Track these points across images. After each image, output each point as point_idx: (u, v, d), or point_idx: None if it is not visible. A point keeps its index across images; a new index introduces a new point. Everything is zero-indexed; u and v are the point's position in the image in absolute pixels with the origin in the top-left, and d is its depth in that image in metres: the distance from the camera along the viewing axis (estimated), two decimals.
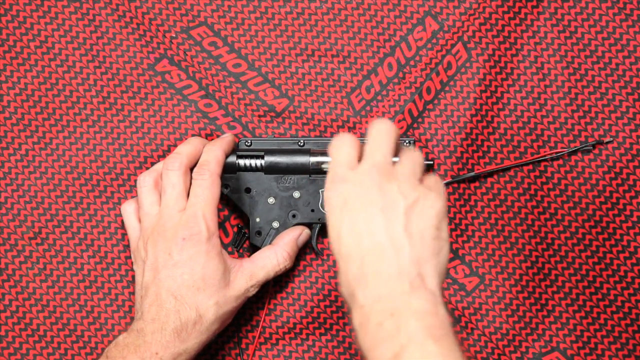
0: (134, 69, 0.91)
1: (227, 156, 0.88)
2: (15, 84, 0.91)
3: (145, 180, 0.86)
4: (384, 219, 0.70)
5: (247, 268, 0.85)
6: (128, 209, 0.88)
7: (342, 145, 0.74)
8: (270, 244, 0.88)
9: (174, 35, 0.91)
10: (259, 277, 0.85)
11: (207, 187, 0.84)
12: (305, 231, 0.89)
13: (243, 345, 0.91)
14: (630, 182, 0.91)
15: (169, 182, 0.85)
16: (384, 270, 0.68)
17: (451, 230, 0.91)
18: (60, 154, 0.91)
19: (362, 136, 0.91)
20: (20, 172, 0.91)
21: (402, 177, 0.72)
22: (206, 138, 0.91)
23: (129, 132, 0.91)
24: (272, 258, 0.86)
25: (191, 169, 0.86)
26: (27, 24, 0.91)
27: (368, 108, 0.91)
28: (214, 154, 0.86)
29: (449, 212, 0.90)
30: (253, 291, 0.85)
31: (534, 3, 0.91)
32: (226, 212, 0.91)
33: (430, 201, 0.71)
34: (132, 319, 0.90)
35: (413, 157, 0.74)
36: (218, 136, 0.91)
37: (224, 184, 0.88)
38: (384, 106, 0.91)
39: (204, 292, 0.82)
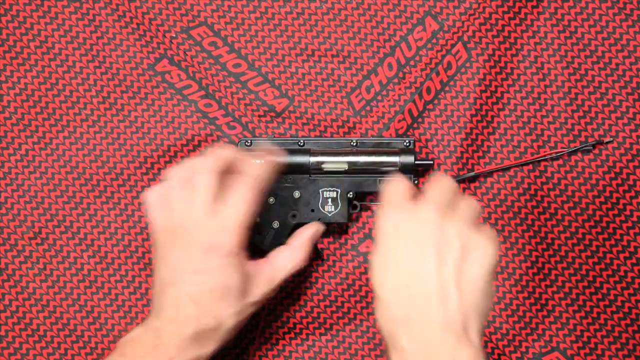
0: (134, 69, 0.91)
1: (272, 179, 0.83)
2: (15, 84, 0.91)
3: (176, 174, 0.81)
4: (437, 259, 0.69)
5: (267, 272, 0.82)
6: (153, 197, 0.81)
7: (398, 182, 0.74)
8: (285, 243, 0.86)
9: (174, 35, 0.91)
10: (278, 279, 0.83)
11: (247, 199, 0.80)
12: (320, 227, 0.87)
13: (243, 345, 0.91)
14: (630, 182, 0.91)
15: (201, 182, 0.79)
16: (430, 317, 0.67)
17: None
18: (60, 154, 0.91)
19: (361, 136, 0.91)
20: (20, 172, 0.91)
21: (460, 220, 0.71)
22: (206, 138, 0.91)
23: (129, 132, 0.91)
24: (290, 259, 0.84)
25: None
26: (27, 24, 0.91)
27: (368, 108, 0.91)
28: (264, 169, 0.82)
29: None
30: (273, 294, 0.83)
31: (534, 3, 0.91)
32: None
33: (484, 250, 0.70)
34: (132, 318, 0.90)
35: (472, 204, 0.73)
36: (218, 136, 0.91)
37: None
38: (384, 106, 0.91)
39: (225, 302, 0.79)
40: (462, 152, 0.91)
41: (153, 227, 0.81)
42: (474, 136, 0.91)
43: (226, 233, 0.78)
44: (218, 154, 0.81)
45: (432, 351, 0.66)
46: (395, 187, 0.74)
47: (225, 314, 0.79)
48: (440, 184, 0.73)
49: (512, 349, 0.90)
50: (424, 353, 0.66)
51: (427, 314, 0.67)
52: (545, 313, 0.90)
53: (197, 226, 0.79)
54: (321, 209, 0.88)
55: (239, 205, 0.79)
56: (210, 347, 0.79)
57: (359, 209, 0.90)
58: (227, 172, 0.81)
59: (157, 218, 0.81)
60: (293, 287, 0.91)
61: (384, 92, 0.91)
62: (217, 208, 0.79)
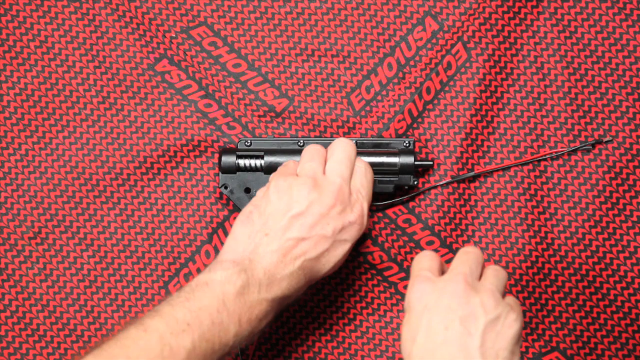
0: (134, 69, 0.91)
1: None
2: (15, 84, 0.91)
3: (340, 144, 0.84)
4: (462, 330, 0.70)
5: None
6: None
7: (425, 255, 0.76)
8: None
9: (174, 35, 0.91)
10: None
11: (369, 183, 0.83)
12: None
13: (243, 346, 0.91)
14: (630, 182, 0.91)
15: (358, 169, 0.83)
16: None
17: (451, 230, 0.91)
18: (60, 154, 0.91)
19: (361, 136, 0.91)
20: (20, 172, 0.91)
21: (486, 291, 0.72)
22: (206, 138, 0.91)
23: (129, 132, 0.91)
24: None
25: None
26: (27, 24, 0.91)
27: (368, 108, 0.91)
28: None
29: (448, 212, 0.90)
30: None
31: (534, 3, 0.91)
32: (226, 212, 0.91)
33: (510, 321, 0.71)
34: (132, 318, 0.90)
35: (498, 274, 0.74)
36: (218, 136, 0.91)
37: (223, 184, 0.88)
38: (383, 106, 0.91)
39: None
40: (462, 152, 0.91)
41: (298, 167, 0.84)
42: (473, 136, 0.91)
43: (361, 212, 0.82)
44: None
45: None
46: (422, 259, 0.76)
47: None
48: (467, 256, 0.75)
49: None
50: None
51: None
52: (545, 313, 0.90)
53: (344, 198, 0.82)
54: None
55: (366, 187, 0.83)
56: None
57: None
58: None
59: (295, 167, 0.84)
60: None
61: (384, 92, 0.91)
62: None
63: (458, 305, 0.71)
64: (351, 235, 0.81)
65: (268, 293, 0.78)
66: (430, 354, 0.70)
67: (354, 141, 0.89)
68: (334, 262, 0.80)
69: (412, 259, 0.90)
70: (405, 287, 0.91)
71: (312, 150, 0.83)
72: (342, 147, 0.83)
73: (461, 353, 0.69)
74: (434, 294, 0.72)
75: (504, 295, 0.74)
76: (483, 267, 0.75)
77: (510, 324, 0.71)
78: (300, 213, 0.79)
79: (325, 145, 0.87)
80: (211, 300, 0.76)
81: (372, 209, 0.91)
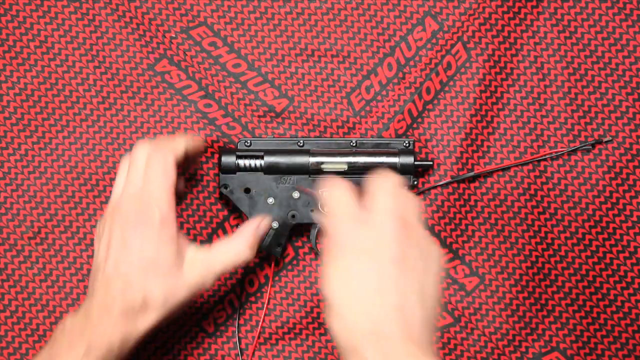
0: (133, 69, 0.91)
1: (188, 155, 0.84)
2: (15, 84, 0.91)
3: (122, 163, 0.84)
4: (402, 277, 0.69)
5: (204, 259, 0.81)
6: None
7: (341, 188, 0.74)
8: (235, 234, 0.85)
9: (174, 35, 0.91)
10: (216, 269, 0.82)
11: (161, 171, 0.81)
12: (265, 221, 0.86)
13: (243, 345, 0.91)
14: (630, 182, 0.91)
15: (133, 165, 0.82)
16: (394, 330, 0.67)
17: (451, 230, 0.91)
18: (59, 154, 0.91)
19: (361, 136, 0.91)
20: (19, 172, 0.91)
21: (416, 228, 0.71)
22: (205, 138, 0.91)
23: (129, 132, 0.91)
24: (230, 252, 0.83)
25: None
26: (27, 24, 0.91)
27: (368, 108, 0.91)
28: (173, 143, 0.83)
29: (448, 212, 0.90)
30: (210, 283, 0.81)
31: (534, 3, 0.91)
32: (226, 212, 0.91)
33: (436, 259, 0.71)
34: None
35: (416, 202, 0.73)
36: (218, 137, 0.91)
37: (223, 184, 0.88)
38: (383, 106, 0.91)
39: (153, 277, 0.79)
40: (462, 152, 0.91)
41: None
42: (473, 136, 0.91)
43: (148, 205, 0.80)
44: (155, 140, 0.83)
45: None
46: (340, 194, 0.74)
47: (154, 290, 0.78)
48: (388, 186, 0.73)
49: (512, 349, 0.90)
50: None
51: (391, 327, 0.67)
52: (545, 313, 0.90)
53: (127, 204, 0.80)
54: (320, 209, 0.88)
55: (156, 178, 0.80)
56: (140, 325, 0.78)
57: None
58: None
59: (103, 218, 0.83)
60: (293, 287, 0.91)
61: (384, 92, 0.91)
62: (142, 185, 0.81)
63: (393, 249, 0.69)
64: None
65: None
66: (367, 298, 0.69)
67: (354, 141, 0.89)
68: None
69: None
70: None
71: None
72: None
73: (397, 296, 0.68)
74: (367, 236, 0.70)
75: (426, 230, 0.73)
76: (404, 197, 0.73)
77: (437, 262, 0.71)
78: None
79: (325, 145, 0.87)
80: None
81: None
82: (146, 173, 0.81)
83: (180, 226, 0.91)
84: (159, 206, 0.80)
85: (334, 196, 0.74)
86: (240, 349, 0.91)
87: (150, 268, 0.79)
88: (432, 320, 0.70)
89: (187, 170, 0.89)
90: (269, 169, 0.88)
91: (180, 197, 0.86)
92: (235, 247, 0.83)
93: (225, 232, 0.91)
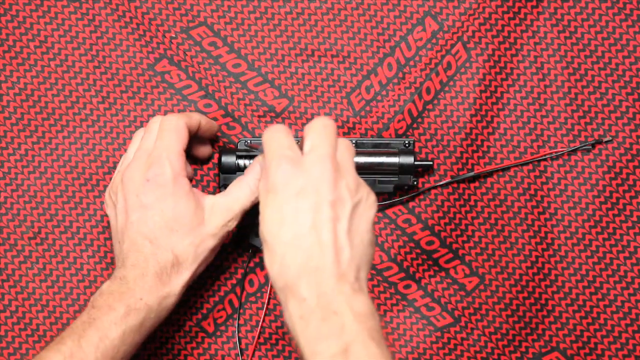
0: (133, 69, 0.91)
1: (202, 129, 0.86)
2: (14, 84, 0.91)
3: (137, 133, 0.86)
4: (332, 215, 0.70)
5: (222, 202, 0.83)
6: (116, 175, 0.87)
7: (279, 131, 0.75)
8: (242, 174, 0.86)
9: (174, 35, 0.91)
10: (235, 209, 0.83)
11: (173, 129, 0.83)
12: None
13: (243, 346, 0.91)
14: (630, 182, 0.91)
15: (148, 128, 0.84)
16: (326, 268, 0.69)
17: (451, 230, 0.91)
18: (59, 154, 0.91)
19: (361, 136, 0.91)
20: (19, 172, 0.91)
21: (349, 173, 0.72)
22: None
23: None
24: (245, 188, 0.84)
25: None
26: (27, 24, 0.91)
27: (368, 108, 0.91)
28: (189, 113, 0.86)
29: (448, 212, 0.90)
30: (232, 225, 0.83)
31: (534, 3, 0.91)
32: None
33: (371, 202, 0.72)
34: None
35: (352, 150, 0.75)
36: (218, 137, 0.91)
37: (223, 184, 0.88)
38: (383, 106, 0.91)
39: (178, 233, 0.81)
40: (462, 152, 0.91)
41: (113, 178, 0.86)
42: (473, 136, 0.91)
43: (159, 163, 0.81)
44: (190, 115, 0.86)
45: (330, 301, 0.68)
46: (280, 137, 0.74)
47: (181, 246, 0.81)
48: (326, 130, 0.74)
49: (512, 349, 0.90)
50: (322, 302, 0.68)
51: (323, 266, 0.69)
52: (545, 313, 0.90)
53: (137, 167, 0.82)
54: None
55: (167, 138, 0.82)
56: (174, 282, 0.81)
57: None
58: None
59: (116, 171, 0.86)
60: None
61: (384, 92, 0.91)
62: (153, 146, 0.83)
63: (327, 190, 0.70)
64: None
65: None
66: (301, 237, 0.70)
67: (354, 141, 0.89)
68: None
69: (412, 259, 0.90)
70: (405, 287, 0.91)
71: None
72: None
73: (330, 236, 0.69)
74: (301, 177, 0.71)
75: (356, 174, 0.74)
76: (337, 139, 0.75)
77: (371, 205, 0.72)
78: None
79: None
80: None
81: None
82: (158, 133, 0.83)
83: None
84: (170, 162, 0.81)
85: (271, 138, 0.75)
86: (240, 349, 0.91)
87: (174, 225, 0.81)
88: (365, 260, 0.71)
89: (199, 152, 0.90)
90: None
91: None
92: (249, 184, 0.84)
93: None
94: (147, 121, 0.91)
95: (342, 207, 0.71)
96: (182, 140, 0.83)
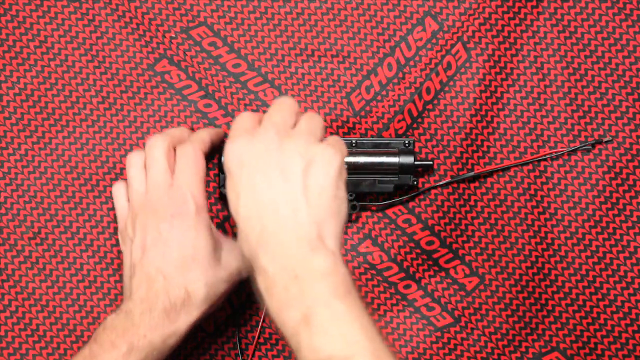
0: (133, 69, 0.91)
1: (213, 144, 0.86)
2: (14, 84, 0.91)
3: (133, 159, 0.84)
4: (282, 179, 0.70)
5: (239, 247, 0.81)
6: (118, 189, 0.86)
7: (241, 116, 0.76)
8: None
9: (174, 35, 0.91)
10: None
11: (191, 161, 0.82)
12: None
13: (243, 346, 0.91)
14: (630, 182, 0.91)
15: (152, 158, 0.83)
16: (283, 233, 0.69)
17: (451, 230, 0.91)
18: (59, 154, 0.91)
19: (361, 136, 0.91)
20: (19, 172, 0.91)
21: (299, 136, 0.72)
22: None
23: (129, 132, 0.91)
24: None
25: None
26: (27, 24, 0.91)
27: (368, 108, 0.91)
28: (198, 135, 0.86)
29: (448, 212, 0.90)
30: (246, 273, 0.81)
31: (534, 3, 0.91)
32: (226, 213, 0.91)
33: (328, 157, 0.72)
34: None
35: (312, 118, 0.75)
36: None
37: (222, 184, 0.88)
38: (383, 106, 0.91)
39: (194, 271, 0.79)
40: (462, 152, 0.91)
41: (119, 218, 0.85)
42: (473, 136, 0.91)
43: (182, 197, 0.80)
44: (165, 132, 0.85)
45: (289, 264, 0.68)
46: (239, 119, 0.76)
47: (195, 284, 0.79)
48: (279, 105, 0.75)
49: (512, 349, 0.90)
50: (282, 267, 0.68)
51: (280, 231, 0.69)
52: (545, 313, 0.90)
53: (159, 200, 0.81)
54: None
55: (186, 169, 0.82)
56: (182, 321, 0.79)
57: (358, 209, 0.90)
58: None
59: (123, 208, 0.85)
60: None
61: (384, 92, 0.91)
62: (172, 179, 0.82)
63: (274, 157, 0.71)
64: None
65: None
66: (255, 208, 0.70)
67: (354, 141, 0.89)
68: None
69: (412, 259, 0.90)
70: (405, 287, 0.91)
71: None
72: None
73: (285, 202, 0.70)
74: (249, 150, 0.72)
75: (321, 139, 0.74)
76: (298, 115, 0.75)
77: (329, 160, 0.72)
78: None
79: None
80: None
81: (372, 209, 0.91)
82: (178, 165, 0.82)
83: None
84: (193, 197, 0.81)
85: (235, 120, 0.76)
86: (241, 349, 0.91)
87: (191, 262, 0.80)
88: (327, 214, 0.70)
89: (211, 160, 0.89)
90: None
91: None
92: None
93: (225, 232, 0.91)
94: (147, 122, 0.91)
95: (292, 169, 0.71)
96: (201, 170, 0.82)
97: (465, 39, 0.91)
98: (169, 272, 0.79)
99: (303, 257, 0.68)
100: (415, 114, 0.91)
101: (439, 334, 0.90)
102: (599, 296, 0.90)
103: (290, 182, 0.70)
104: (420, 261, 0.90)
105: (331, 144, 0.73)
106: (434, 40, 0.91)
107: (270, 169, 0.71)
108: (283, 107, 0.75)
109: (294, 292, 0.67)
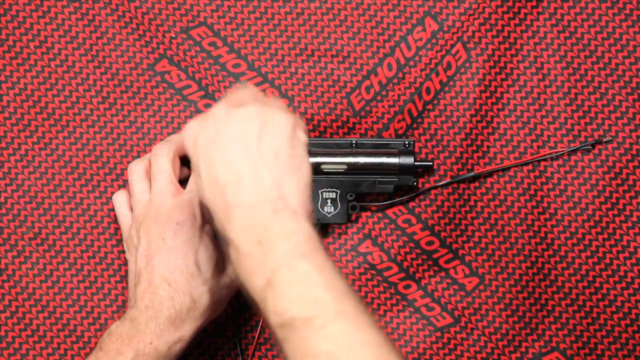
0: (133, 69, 0.91)
1: None
2: (15, 84, 0.91)
3: (135, 168, 0.85)
4: (238, 147, 0.70)
5: None
6: (119, 198, 0.87)
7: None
8: None
9: (174, 35, 0.91)
10: None
11: None
12: None
13: (243, 346, 0.91)
14: (630, 182, 0.91)
15: (158, 168, 0.84)
16: (244, 199, 0.69)
17: (451, 230, 0.91)
18: (60, 154, 0.91)
19: (361, 136, 0.91)
20: (20, 172, 0.91)
21: (246, 104, 0.72)
22: None
23: (129, 132, 0.91)
24: None
25: (180, 158, 0.86)
26: (27, 24, 0.91)
27: (368, 108, 0.91)
28: None
29: (448, 212, 0.90)
30: None
31: (534, 3, 0.91)
32: None
33: (278, 119, 0.72)
34: None
35: (250, 87, 0.76)
36: None
37: None
38: (383, 106, 0.91)
39: (198, 278, 0.80)
40: (461, 153, 0.91)
41: (122, 226, 0.86)
42: (473, 136, 0.91)
43: (190, 207, 0.82)
44: (169, 139, 0.86)
45: (253, 229, 0.68)
46: (219, 103, 0.76)
47: (200, 291, 0.80)
48: (236, 90, 0.75)
49: (512, 349, 0.90)
50: (246, 235, 0.68)
51: (241, 198, 0.69)
52: (545, 313, 0.90)
53: (165, 209, 0.82)
54: (320, 209, 0.88)
55: (191, 181, 0.83)
56: (187, 327, 0.80)
57: (358, 209, 0.90)
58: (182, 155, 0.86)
59: (126, 216, 0.85)
60: None
61: (384, 93, 0.91)
62: (176, 188, 0.83)
63: (227, 128, 0.71)
64: None
65: None
66: (217, 182, 0.70)
67: (354, 141, 0.89)
68: None
69: (412, 259, 0.90)
70: (405, 287, 0.91)
71: None
72: None
73: (243, 168, 0.70)
74: (200, 129, 0.72)
75: (267, 102, 0.74)
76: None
77: (281, 122, 0.72)
78: None
79: (325, 146, 0.87)
80: None
81: (372, 209, 0.91)
82: (183, 174, 0.84)
83: None
84: (201, 209, 0.81)
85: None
86: (241, 349, 0.91)
87: (196, 270, 0.81)
88: (286, 173, 0.70)
89: None
90: None
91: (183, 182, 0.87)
92: None
93: None
94: (148, 122, 0.91)
95: (246, 136, 0.71)
96: None
97: (465, 39, 0.91)
98: (173, 280, 0.80)
99: (265, 221, 0.68)
100: (415, 114, 0.91)
101: (439, 334, 0.91)
102: (599, 296, 0.90)
103: (246, 149, 0.70)
104: (420, 261, 0.90)
105: (279, 107, 0.74)
106: (434, 40, 0.91)
107: (225, 141, 0.71)
108: (238, 89, 0.75)
109: (258, 258, 0.67)
